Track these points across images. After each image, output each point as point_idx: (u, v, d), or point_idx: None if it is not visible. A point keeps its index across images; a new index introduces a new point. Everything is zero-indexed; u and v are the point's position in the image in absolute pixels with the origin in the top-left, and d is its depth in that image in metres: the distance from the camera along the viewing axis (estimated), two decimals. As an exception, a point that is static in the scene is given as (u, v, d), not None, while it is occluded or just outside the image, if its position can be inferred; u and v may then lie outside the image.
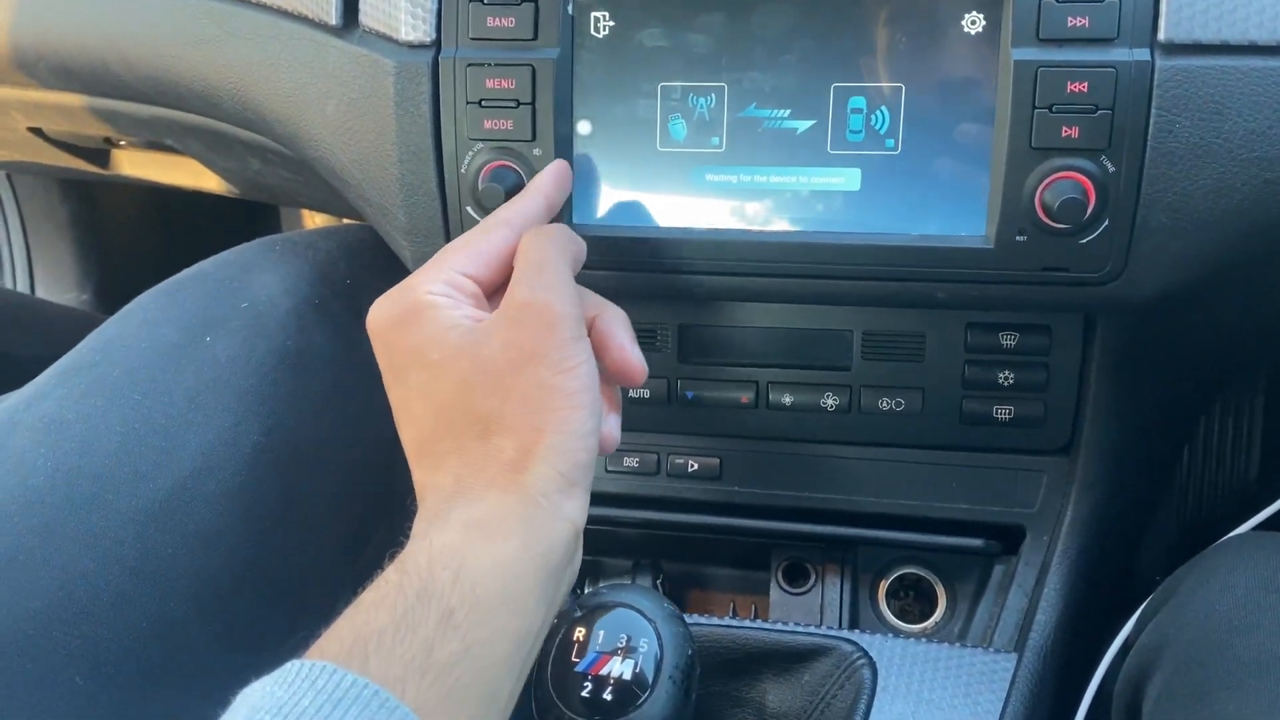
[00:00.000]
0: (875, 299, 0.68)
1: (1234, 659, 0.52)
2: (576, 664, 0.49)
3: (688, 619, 0.72)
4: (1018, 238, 0.62)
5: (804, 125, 0.65)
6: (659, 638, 0.50)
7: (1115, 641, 0.65)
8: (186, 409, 0.66)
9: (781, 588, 0.78)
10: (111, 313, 0.75)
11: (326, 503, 0.72)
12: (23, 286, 1.52)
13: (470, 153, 0.67)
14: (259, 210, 1.70)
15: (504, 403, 0.49)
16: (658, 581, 0.80)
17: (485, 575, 0.46)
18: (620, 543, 0.82)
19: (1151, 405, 0.73)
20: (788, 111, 0.65)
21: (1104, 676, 0.66)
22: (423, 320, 0.52)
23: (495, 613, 0.45)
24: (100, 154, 1.17)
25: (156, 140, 1.03)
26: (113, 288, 1.53)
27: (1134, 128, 0.59)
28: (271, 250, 0.79)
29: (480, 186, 0.66)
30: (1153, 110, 0.59)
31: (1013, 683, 0.67)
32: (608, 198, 0.68)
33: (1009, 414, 0.72)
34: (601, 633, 0.50)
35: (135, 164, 1.18)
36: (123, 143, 1.10)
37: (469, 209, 0.68)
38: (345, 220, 1.10)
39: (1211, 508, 1.15)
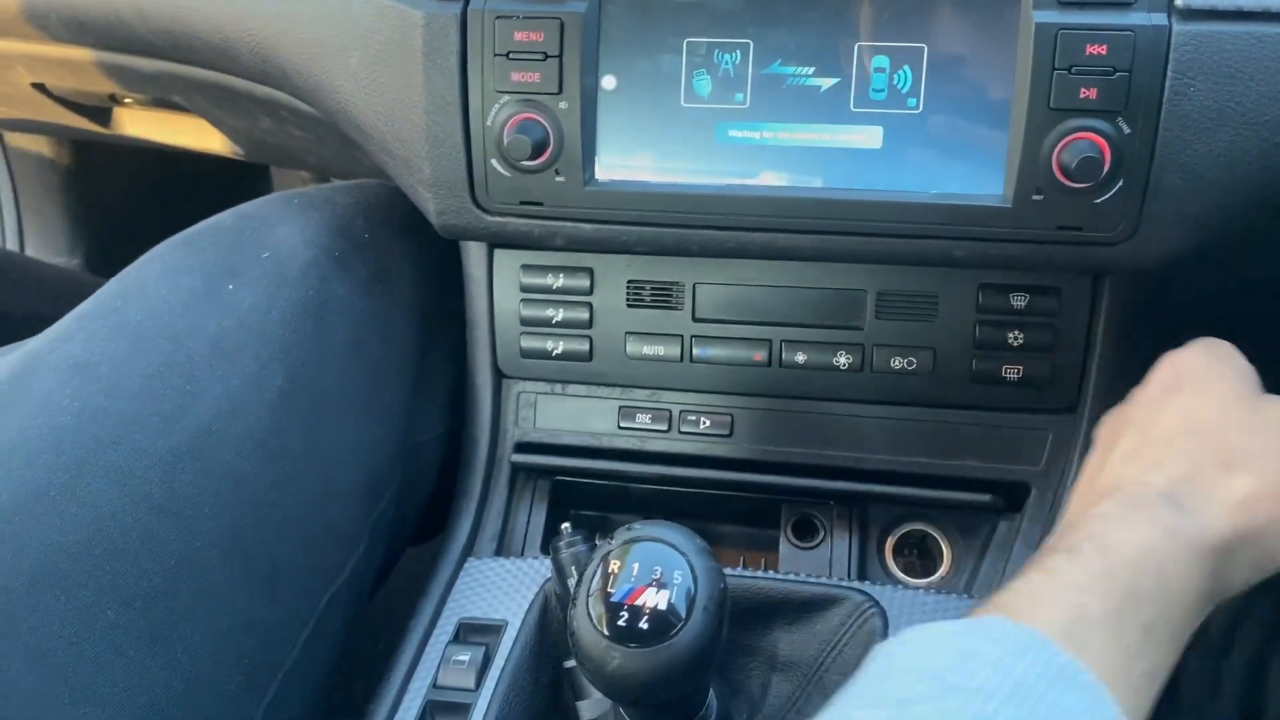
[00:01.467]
0: (894, 257, 0.69)
1: None
2: (612, 594, 0.50)
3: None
4: (1035, 196, 0.64)
5: (828, 83, 0.66)
6: (692, 570, 0.51)
7: None
8: (210, 354, 0.66)
9: (791, 542, 0.79)
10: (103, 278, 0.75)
11: (347, 452, 0.72)
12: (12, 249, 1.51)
13: (497, 105, 0.68)
14: (252, 181, 1.70)
15: (1265, 454, 0.49)
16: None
17: (1177, 602, 0.44)
18: (632, 498, 0.83)
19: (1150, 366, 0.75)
20: (812, 69, 0.66)
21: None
22: (1229, 364, 0.55)
23: (1174, 643, 0.44)
24: (102, 113, 1.17)
25: (163, 97, 1.03)
26: (104, 253, 1.53)
27: (1150, 90, 0.61)
28: (290, 203, 0.79)
29: (506, 139, 0.67)
30: (1169, 74, 0.61)
31: (1019, 632, 0.69)
32: (631, 153, 0.69)
33: (1018, 373, 0.73)
34: (636, 564, 0.51)
35: (137, 123, 1.17)
36: (127, 100, 1.10)
37: (494, 162, 0.69)
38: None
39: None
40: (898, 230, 0.67)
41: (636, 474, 0.80)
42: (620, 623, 0.50)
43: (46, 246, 1.52)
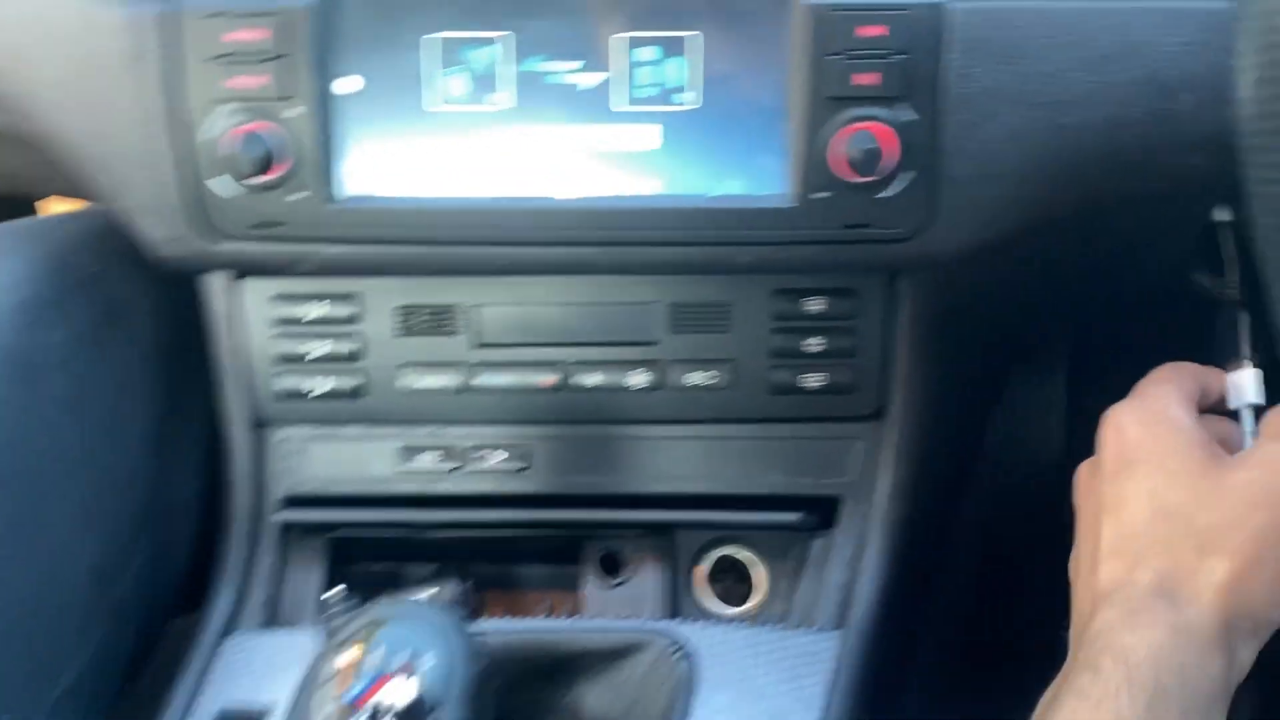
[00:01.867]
0: (679, 266, 0.63)
1: None
2: (344, 693, 0.42)
3: (494, 623, 0.66)
4: (818, 194, 0.59)
5: (595, 79, 0.60)
6: (446, 652, 0.44)
7: None
8: None
9: (597, 581, 0.73)
10: None
11: (70, 529, 0.62)
12: None
13: (215, 115, 0.59)
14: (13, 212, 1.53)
15: (1233, 529, 0.48)
16: (466, 586, 0.74)
17: (1201, 691, 0.45)
18: (421, 547, 0.75)
19: (958, 367, 0.72)
20: (578, 64, 0.60)
21: None
22: (1170, 428, 0.53)
23: None
24: None
25: None
26: None
27: (931, 73, 0.57)
28: None
29: (228, 153, 0.58)
30: (950, 55, 0.57)
31: (837, 662, 0.64)
32: (378, 165, 0.61)
33: (819, 382, 0.69)
34: (377, 652, 0.43)
35: None
36: None
37: (215, 181, 0.60)
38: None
39: (1016, 481, 1.18)
40: (680, 238, 0.61)
41: (424, 521, 0.72)
42: (358, 725, 0.42)
43: None
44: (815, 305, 0.68)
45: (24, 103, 0.64)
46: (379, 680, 0.42)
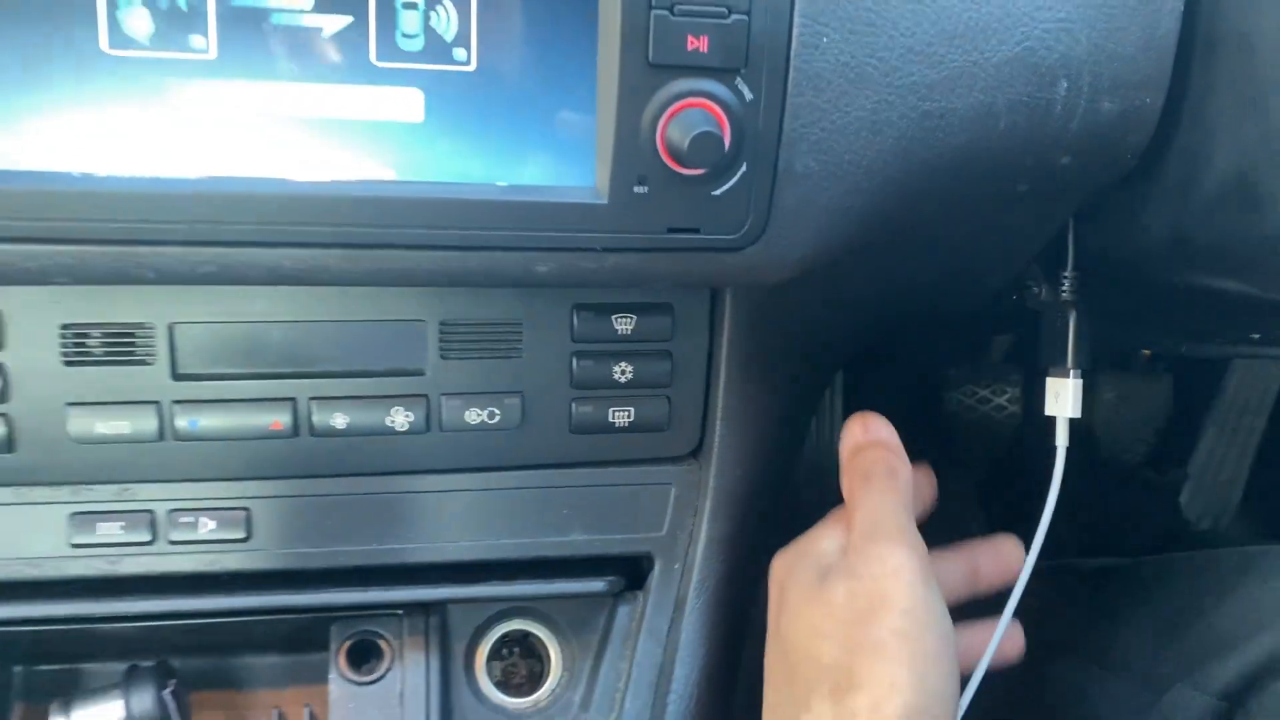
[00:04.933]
0: (454, 278, 0.49)
1: None
2: None
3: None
4: (637, 188, 0.46)
5: (335, 23, 0.44)
6: None
7: None
8: None
9: (346, 676, 0.57)
10: None
11: None
12: None
13: None
14: None
15: (848, 654, 0.46)
16: (166, 692, 0.56)
17: None
18: (107, 641, 0.56)
19: (786, 391, 0.62)
20: (310, 2, 0.44)
21: None
22: (803, 548, 0.52)
23: None
24: None
25: None
26: None
27: (774, 42, 0.46)
28: None
29: None
30: (796, 20, 0.46)
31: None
32: (29, 128, 0.43)
33: (628, 418, 0.57)
34: None
35: None
36: None
37: None
38: None
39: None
40: (453, 240, 0.46)
41: (107, 614, 0.54)
42: None
43: None
44: (625, 324, 0.55)
45: None
46: None
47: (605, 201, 0.46)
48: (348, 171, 0.46)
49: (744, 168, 0.47)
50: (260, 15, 0.44)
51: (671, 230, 0.47)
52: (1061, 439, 0.63)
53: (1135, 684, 0.56)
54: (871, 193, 0.49)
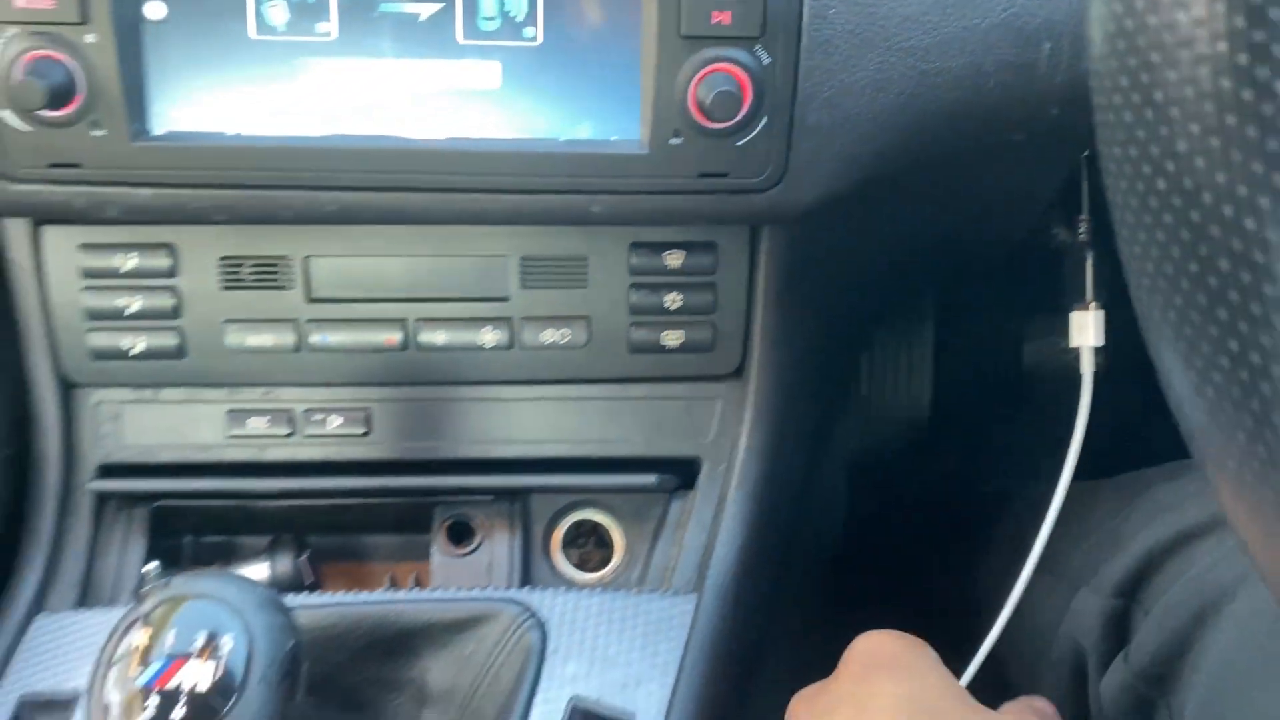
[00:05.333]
0: (526, 216, 0.60)
1: None
2: (137, 676, 0.38)
3: (331, 598, 0.62)
4: (673, 140, 0.56)
5: (428, 9, 0.55)
6: (248, 631, 0.39)
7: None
8: None
9: (445, 550, 0.69)
10: None
11: None
12: None
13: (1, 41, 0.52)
14: None
15: None
16: (302, 559, 0.69)
17: None
18: (254, 518, 0.69)
19: (820, 324, 0.70)
20: (410, -7, 0.55)
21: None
22: (917, 644, 0.48)
23: None
24: None
25: None
26: None
27: (788, 14, 0.54)
28: None
29: (15, 82, 0.52)
30: (807, -5, 0.54)
31: (693, 625, 0.62)
32: (195, 100, 0.56)
33: (679, 340, 0.66)
34: (172, 633, 0.39)
35: None
36: None
37: (6, 114, 0.53)
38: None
39: (882, 440, 1.18)
40: (525, 185, 0.57)
41: (256, 490, 0.67)
42: (149, 710, 0.37)
43: None
44: (675, 259, 0.65)
45: None
46: (174, 663, 0.38)
47: (647, 152, 0.56)
48: (442, 130, 0.57)
49: (764, 121, 0.56)
50: (371, 4, 0.55)
51: (702, 175, 0.57)
52: (1087, 368, 0.70)
53: (1063, 587, 0.61)
54: (878, 142, 0.58)
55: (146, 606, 0.40)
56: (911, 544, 1.01)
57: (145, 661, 0.38)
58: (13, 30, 0.52)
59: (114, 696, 0.38)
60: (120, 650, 0.39)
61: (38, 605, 0.62)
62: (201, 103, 0.56)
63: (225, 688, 0.38)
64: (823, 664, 0.50)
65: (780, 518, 0.71)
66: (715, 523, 0.67)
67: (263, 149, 0.55)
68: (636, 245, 0.65)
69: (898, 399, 1.20)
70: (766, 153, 0.57)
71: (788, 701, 0.49)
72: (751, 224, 0.63)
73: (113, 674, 0.38)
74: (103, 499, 0.66)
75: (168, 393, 0.66)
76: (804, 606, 0.91)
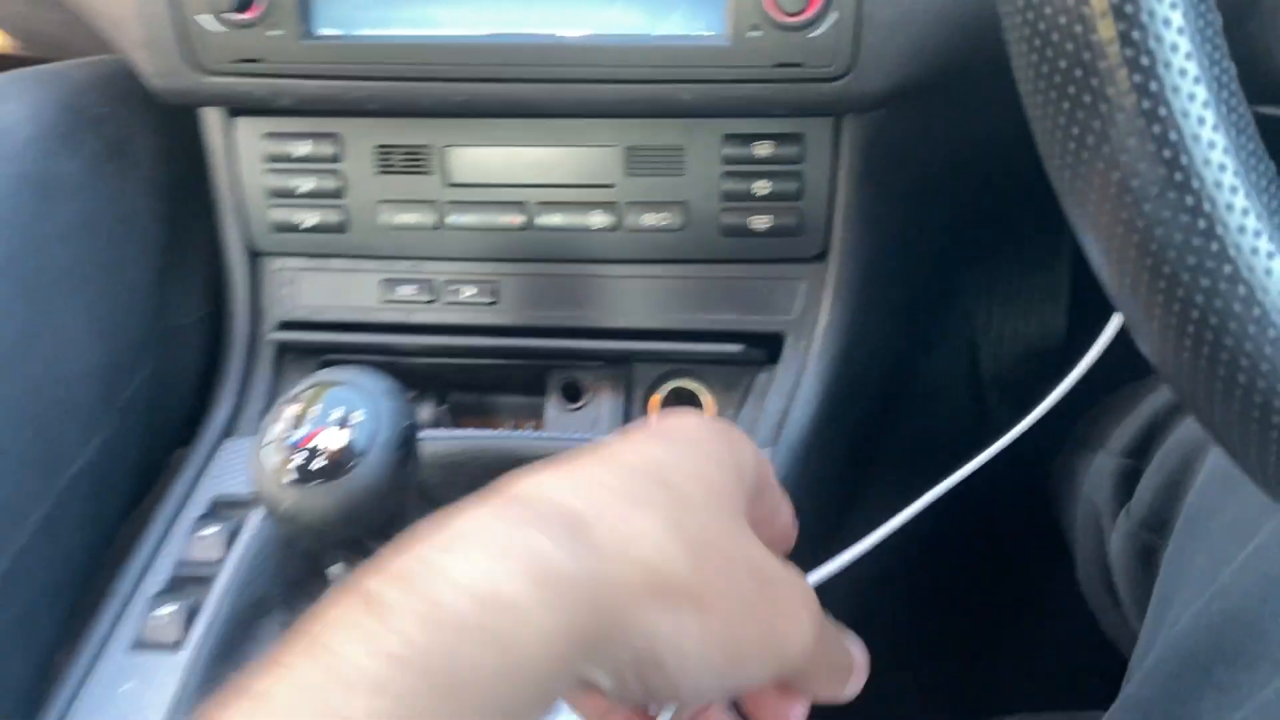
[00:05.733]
0: (627, 107, 0.68)
1: None
2: (290, 437, 0.49)
3: (463, 432, 0.73)
4: (750, 33, 0.63)
5: (542, -78, 0.64)
6: (375, 410, 0.50)
7: None
8: None
9: (558, 407, 0.79)
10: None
11: (80, 332, 0.70)
12: None
13: (199, -49, 0.65)
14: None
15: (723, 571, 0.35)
16: (441, 408, 0.81)
17: None
18: (402, 374, 0.81)
19: (895, 212, 0.76)
20: (529, -89, 0.64)
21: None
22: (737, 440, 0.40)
23: None
24: None
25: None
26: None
27: None
28: (16, 81, 0.75)
29: (212, -13, 0.64)
30: (872, -101, 0.60)
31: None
32: (353, 4, 0.67)
33: (766, 224, 0.73)
34: (317, 408, 0.50)
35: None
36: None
37: (202, 17, 0.66)
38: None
39: (1017, 358, 1.21)
40: (622, 75, 0.66)
41: (404, 346, 0.79)
42: (296, 464, 0.49)
43: None
44: (763, 149, 0.72)
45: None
46: (315, 429, 0.49)
47: (729, 44, 0.64)
48: (554, 29, 0.66)
49: (834, 15, 0.63)
50: (495, -80, 0.65)
51: (778, 65, 0.64)
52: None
53: (1086, 452, 0.65)
54: (943, 35, 0.63)
55: (298, 389, 0.52)
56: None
57: (295, 427, 0.50)
58: (207, -53, 0.64)
59: (270, 451, 0.49)
60: (278, 420, 0.51)
61: (227, 431, 0.76)
62: (358, 5, 0.67)
63: (354, 450, 0.49)
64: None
65: (861, 390, 0.78)
66: (795, 389, 0.75)
67: (403, 46, 0.66)
68: (728, 136, 0.72)
69: (1029, 330, 1.23)
70: (836, 44, 0.63)
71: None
72: (828, 113, 0.70)
73: (271, 435, 0.50)
74: (281, 349, 0.79)
75: (334, 262, 0.78)
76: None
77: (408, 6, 0.66)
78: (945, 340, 1.14)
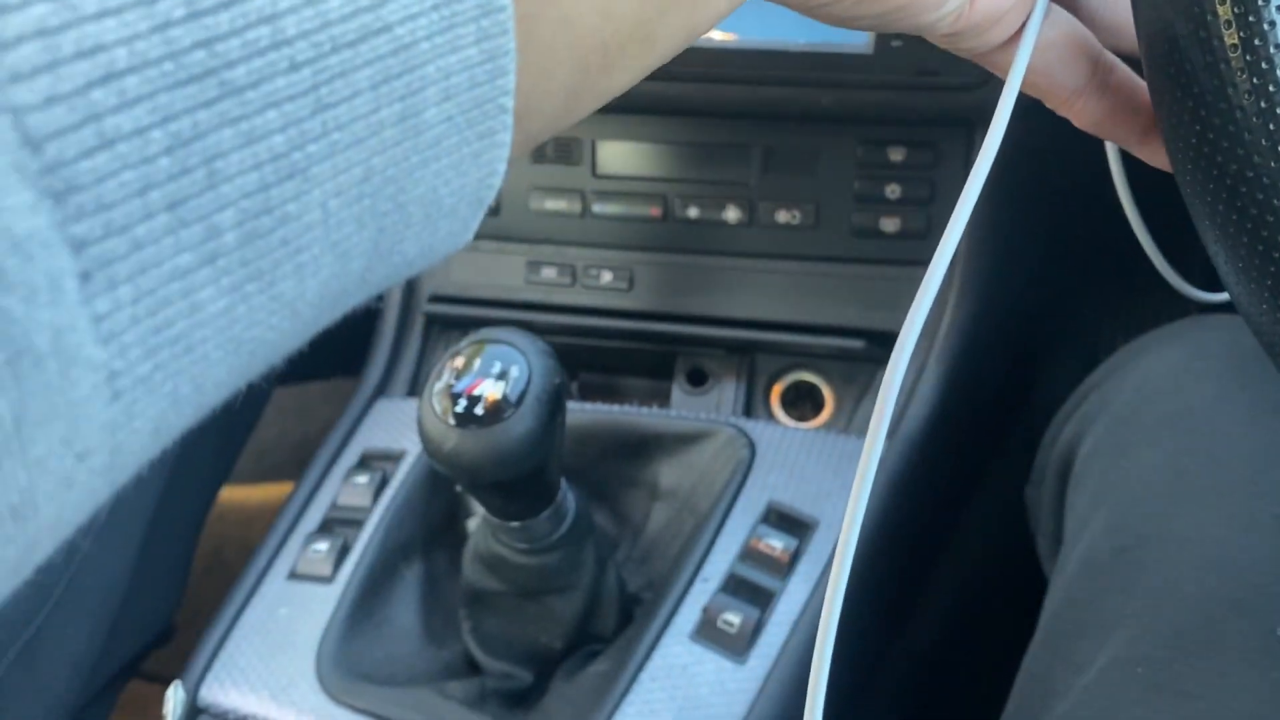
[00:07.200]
0: (771, 106, 0.72)
1: (1157, 415, 0.56)
2: (453, 385, 0.55)
3: (594, 406, 0.78)
4: (894, 43, 0.67)
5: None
6: (529, 366, 0.56)
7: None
8: None
9: (683, 390, 0.84)
10: None
11: None
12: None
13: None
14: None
15: None
16: (574, 384, 0.86)
17: None
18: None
19: (1020, 221, 0.79)
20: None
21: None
22: None
23: None
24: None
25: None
26: None
27: None
28: None
29: None
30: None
31: (880, 462, 0.73)
32: None
33: (896, 226, 0.77)
34: (478, 361, 0.55)
35: None
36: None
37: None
38: None
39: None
40: (768, 78, 0.70)
41: (543, 324, 0.84)
42: (458, 409, 0.54)
43: None
44: (897, 154, 0.76)
45: None
46: (477, 380, 0.55)
47: (871, 52, 0.68)
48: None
49: (974, 28, 0.66)
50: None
51: (920, 73, 0.68)
52: None
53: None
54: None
55: (463, 345, 0.57)
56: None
57: (458, 377, 0.55)
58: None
59: (437, 398, 0.55)
60: (444, 371, 0.56)
61: (379, 392, 0.83)
62: None
63: (510, 400, 0.55)
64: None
65: (980, 387, 0.80)
66: (914, 387, 0.78)
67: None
68: (864, 140, 0.76)
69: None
70: (975, 56, 0.66)
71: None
72: (962, 122, 0.73)
73: (438, 384, 0.55)
74: (430, 320, 0.86)
75: (483, 243, 0.85)
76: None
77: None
78: (1063, 352, 1.15)
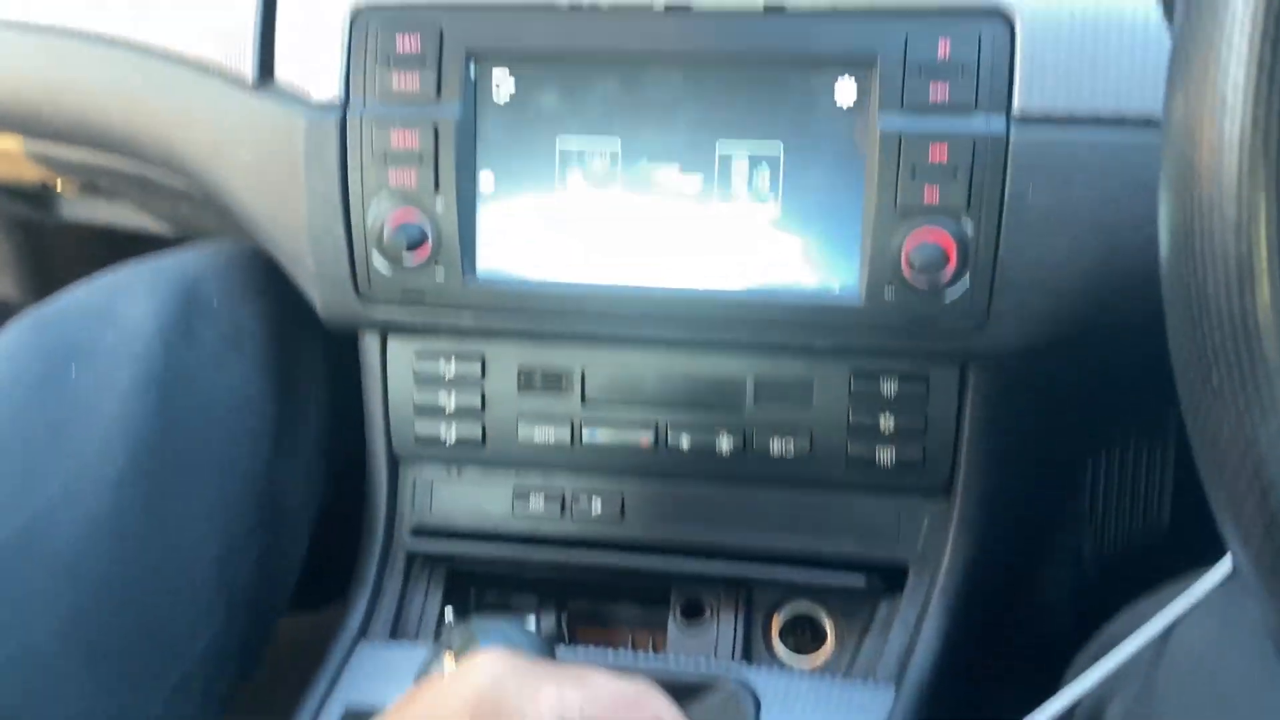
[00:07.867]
0: (763, 347, 0.72)
1: (1195, 698, 0.54)
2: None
3: (584, 653, 0.75)
4: (887, 294, 0.66)
5: (693, 180, 0.69)
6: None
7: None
8: (48, 439, 0.68)
9: (679, 624, 0.80)
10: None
11: (198, 521, 0.73)
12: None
13: (376, 204, 0.70)
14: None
15: None
16: (561, 618, 0.83)
17: None
18: (526, 580, 0.84)
19: (1029, 450, 0.77)
20: (677, 167, 0.69)
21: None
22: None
23: None
24: (43, 197, 1.20)
25: (92, 183, 1.06)
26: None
27: (991, 192, 0.64)
28: (141, 274, 0.80)
29: (386, 237, 0.70)
30: (1008, 176, 0.64)
31: (890, 713, 0.70)
32: (512, 250, 0.72)
33: (891, 457, 0.75)
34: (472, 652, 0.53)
35: (77, 206, 1.21)
36: (60, 186, 1.13)
37: (375, 258, 0.71)
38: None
39: (1120, 552, 1.19)
40: (760, 335, 0.69)
41: (530, 558, 0.81)
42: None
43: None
44: (889, 388, 0.75)
45: (219, 185, 0.77)
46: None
47: (862, 304, 0.67)
48: (689, 281, 0.70)
49: (967, 278, 0.65)
50: (645, 180, 0.69)
51: (912, 321, 0.67)
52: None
53: None
54: (1074, 298, 0.66)
55: (454, 639, 0.54)
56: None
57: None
58: (385, 198, 0.70)
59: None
60: (435, 669, 0.53)
61: (361, 634, 0.79)
62: (515, 251, 0.72)
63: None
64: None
65: (986, 623, 0.77)
66: (918, 625, 0.75)
67: (556, 293, 0.71)
68: (856, 373, 0.75)
69: (1135, 516, 1.21)
70: (969, 305, 0.66)
71: None
72: (955, 363, 0.72)
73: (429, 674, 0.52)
74: (412, 555, 0.82)
75: (468, 471, 0.82)
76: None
77: (559, 253, 0.71)
78: (1059, 537, 1.13)
